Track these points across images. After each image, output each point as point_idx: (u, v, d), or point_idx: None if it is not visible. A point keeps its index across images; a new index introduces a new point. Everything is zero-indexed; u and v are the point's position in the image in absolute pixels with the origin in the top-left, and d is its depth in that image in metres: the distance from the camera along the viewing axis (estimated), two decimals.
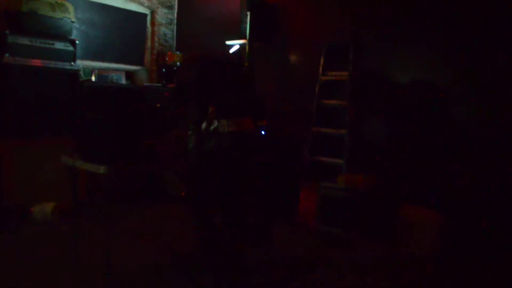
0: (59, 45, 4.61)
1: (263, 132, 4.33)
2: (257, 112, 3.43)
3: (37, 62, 4.41)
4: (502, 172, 3.94)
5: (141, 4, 6.23)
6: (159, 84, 5.60)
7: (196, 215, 3.34)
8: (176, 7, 6.66)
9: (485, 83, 4.05)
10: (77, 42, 4.79)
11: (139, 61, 6.33)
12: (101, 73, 5.61)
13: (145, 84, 5.98)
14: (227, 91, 3.24)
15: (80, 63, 5.08)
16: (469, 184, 4.04)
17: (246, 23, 5.12)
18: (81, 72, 5.09)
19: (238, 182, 3.18)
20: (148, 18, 6.42)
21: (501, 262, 3.69)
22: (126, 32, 6.11)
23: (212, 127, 3.11)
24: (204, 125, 3.17)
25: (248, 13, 5.10)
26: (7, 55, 4.23)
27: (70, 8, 4.76)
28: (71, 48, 4.70)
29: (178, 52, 5.58)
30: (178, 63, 5.40)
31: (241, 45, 5.29)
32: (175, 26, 6.68)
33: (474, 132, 4.13)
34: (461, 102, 4.21)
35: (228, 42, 5.45)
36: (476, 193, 3.99)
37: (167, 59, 5.52)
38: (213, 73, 3.26)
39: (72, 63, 4.70)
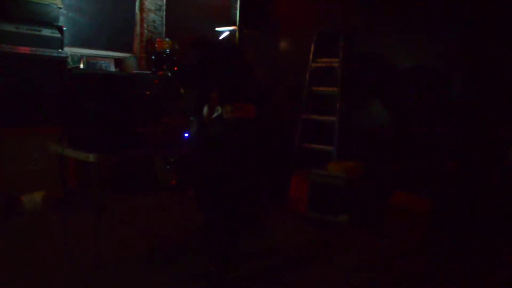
0: (46, 32, 4.52)
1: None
2: (259, 99, 3.31)
3: (24, 50, 4.33)
4: (488, 160, 3.99)
5: None
6: (149, 72, 5.56)
7: (197, 201, 3.35)
8: None
9: (477, 71, 4.08)
10: (64, 28, 4.71)
11: (128, 48, 6.26)
12: (89, 60, 5.54)
13: (134, 71, 5.93)
14: (230, 77, 3.17)
15: (68, 50, 5.00)
16: (458, 171, 4.08)
17: (236, 9, 5.07)
18: (69, 60, 5.02)
19: (240, 169, 3.14)
20: (137, 4, 6.33)
21: (489, 248, 3.74)
22: (114, 18, 6.02)
23: (215, 113, 3.03)
24: (205, 111, 3.08)
25: None
26: None
27: None
28: (58, 35, 4.63)
29: (167, 39, 5.51)
30: (167, 50, 5.34)
31: (231, 31, 5.25)
32: (164, 13, 6.60)
33: (463, 119, 4.16)
34: (451, 89, 4.23)
35: (218, 29, 5.40)
36: (464, 180, 4.03)
37: (156, 46, 5.46)
38: (217, 57, 3.20)
39: (60, 50, 4.63)
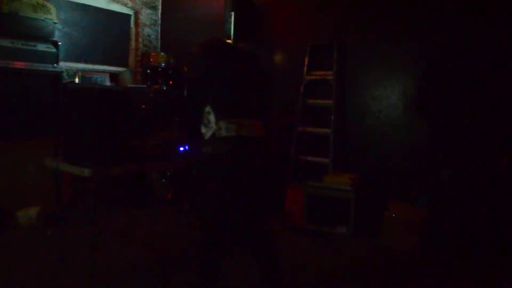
0: (41, 47, 4.54)
1: None
2: (264, 113, 2.68)
3: (19, 64, 4.34)
4: (484, 171, 4.01)
5: (125, 4, 6.19)
6: (144, 86, 5.57)
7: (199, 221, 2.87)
8: (160, 7, 6.63)
9: (470, 84, 4.12)
10: (59, 43, 4.74)
11: (123, 63, 6.29)
12: (84, 75, 5.55)
13: (129, 85, 5.94)
14: (231, 86, 2.56)
15: (63, 65, 5.02)
16: (453, 182, 4.10)
17: (231, 23, 5.12)
18: (65, 74, 5.03)
19: (236, 198, 2.51)
20: (132, 19, 6.38)
21: (483, 258, 3.75)
22: (109, 33, 6.06)
23: (210, 132, 2.47)
24: (203, 129, 2.55)
25: (232, 13, 5.10)
26: None
27: (52, 9, 4.70)
28: (53, 49, 4.65)
29: (162, 53, 5.54)
30: (162, 64, 5.37)
31: None
32: (159, 27, 6.64)
33: (458, 129, 4.19)
34: (444, 97, 4.26)
35: None
36: (460, 190, 4.05)
37: (151, 60, 5.49)
38: (229, 64, 2.66)
39: (55, 65, 4.64)
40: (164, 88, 5.26)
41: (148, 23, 6.50)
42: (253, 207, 2.52)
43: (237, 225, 2.60)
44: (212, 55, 2.73)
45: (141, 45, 6.40)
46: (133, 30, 6.40)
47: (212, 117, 2.44)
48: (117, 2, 6.08)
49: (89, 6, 5.75)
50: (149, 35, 6.51)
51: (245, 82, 2.61)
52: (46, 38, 4.62)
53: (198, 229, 2.74)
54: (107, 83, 5.81)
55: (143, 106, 4.75)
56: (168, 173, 5.24)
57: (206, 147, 2.47)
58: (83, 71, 5.56)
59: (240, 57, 2.81)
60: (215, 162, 2.42)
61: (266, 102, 2.77)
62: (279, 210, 4.65)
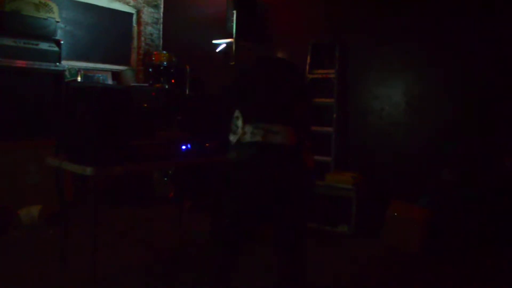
0: (43, 46, 4.55)
1: None
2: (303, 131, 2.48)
3: (21, 63, 4.35)
4: (485, 171, 4.00)
5: (127, 3, 6.19)
6: (146, 84, 5.57)
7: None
8: (162, 6, 6.63)
9: (471, 82, 4.10)
10: (62, 42, 4.74)
11: (126, 61, 6.29)
12: (87, 73, 5.56)
13: (131, 84, 5.94)
14: (260, 90, 2.46)
15: (66, 64, 5.02)
16: (455, 182, 4.09)
17: (233, 21, 5.11)
18: (67, 73, 5.04)
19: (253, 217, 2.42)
20: (134, 17, 6.38)
21: (485, 257, 3.75)
22: (111, 32, 6.06)
23: (236, 137, 2.39)
24: (231, 137, 2.46)
25: (235, 11, 5.09)
26: None
27: (55, 8, 4.70)
28: (56, 48, 4.65)
29: (164, 52, 5.54)
30: (164, 63, 5.36)
31: (227, 44, 5.28)
32: (161, 26, 6.64)
33: (458, 130, 4.18)
34: (445, 97, 4.26)
35: (215, 41, 5.44)
36: (462, 190, 4.04)
37: (153, 58, 5.48)
38: (253, 67, 2.59)
39: (57, 63, 4.65)
40: (166, 86, 5.25)
41: (150, 21, 6.50)
42: (271, 215, 2.40)
43: (250, 230, 2.55)
44: (247, 62, 2.77)
45: (143, 44, 6.41)
46: (135, 29, 6.40)
47: (240, 122, 2.37)
48: (119, 1, 6.09)
49: (91, 4, 5.76)
50: (151, 34, 6.51)
51: (277, 88, 2.49)
52: (48, 36, 4.62)
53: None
54: (109, 81, 5.82)
55: (145, 105, 4.75)
56: (170, 172, 5.24)
57: (231, 152, 2.41)
58: (85, 69, 5.57)
59: (274, 64, 2.71)
60: (238, 168, 2.35)
61: (305, 111, 2.59)
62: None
